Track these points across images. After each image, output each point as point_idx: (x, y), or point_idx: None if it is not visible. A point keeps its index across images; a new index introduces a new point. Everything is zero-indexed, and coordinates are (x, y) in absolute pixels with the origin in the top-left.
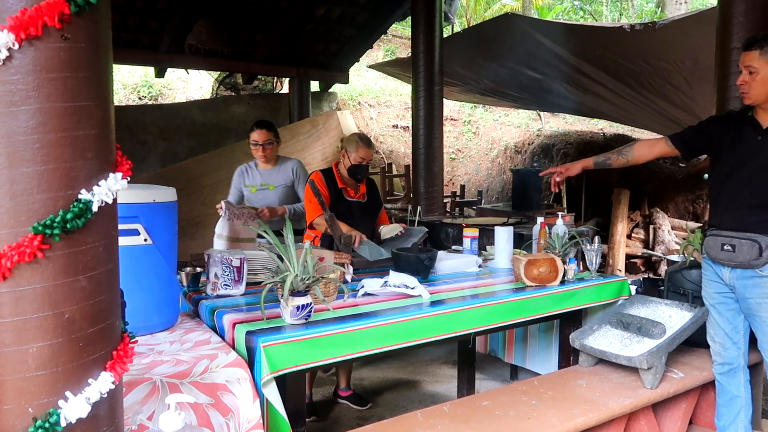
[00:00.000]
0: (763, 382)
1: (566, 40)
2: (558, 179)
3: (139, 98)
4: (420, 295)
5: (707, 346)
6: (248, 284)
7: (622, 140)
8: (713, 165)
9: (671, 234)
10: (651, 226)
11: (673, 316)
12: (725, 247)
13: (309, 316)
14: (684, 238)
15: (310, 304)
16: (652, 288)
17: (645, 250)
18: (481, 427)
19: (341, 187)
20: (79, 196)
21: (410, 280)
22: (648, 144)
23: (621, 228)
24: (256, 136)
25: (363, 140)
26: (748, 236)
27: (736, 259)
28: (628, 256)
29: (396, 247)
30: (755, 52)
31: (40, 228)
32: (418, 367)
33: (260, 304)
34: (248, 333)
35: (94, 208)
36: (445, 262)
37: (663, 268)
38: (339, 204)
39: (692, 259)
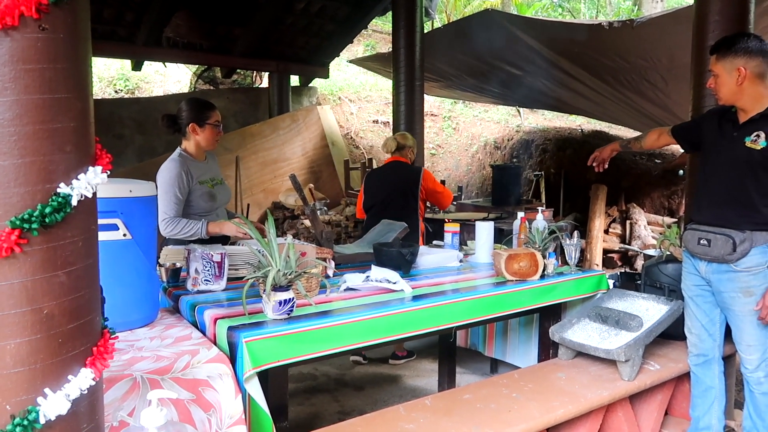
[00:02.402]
0: (736, 373)
1: (545, 37)
2: (604, 163)
3: (116, 91)
4: (402, 290)
5: (683, 339)
6: (229, 279)
7: (600, 137)
8: (699, 159)
9: (647, 229)
10: (628, 222)
11: (649, 310)
12: (701, 242)
13: (291, 311)
14: (660, 233)
15: (293, 299)
16: (629, 282)
17: (622, 245)
18: (463, 420)
19: None
20: (58, 190)
21: (392, 275)
22: (657, 132)
23: (598, 223)
24: (219, 116)
25: None
26: (722, 231)
27: (711, 254)
28: (606, 251)
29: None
30: (713, 57)
31: (17, 222)
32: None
33: (242, 300)
34: (230, 328)
35: (74, 202)
36: (427, 257)
37: (639, 263)
38: None
39: (668, 253)
